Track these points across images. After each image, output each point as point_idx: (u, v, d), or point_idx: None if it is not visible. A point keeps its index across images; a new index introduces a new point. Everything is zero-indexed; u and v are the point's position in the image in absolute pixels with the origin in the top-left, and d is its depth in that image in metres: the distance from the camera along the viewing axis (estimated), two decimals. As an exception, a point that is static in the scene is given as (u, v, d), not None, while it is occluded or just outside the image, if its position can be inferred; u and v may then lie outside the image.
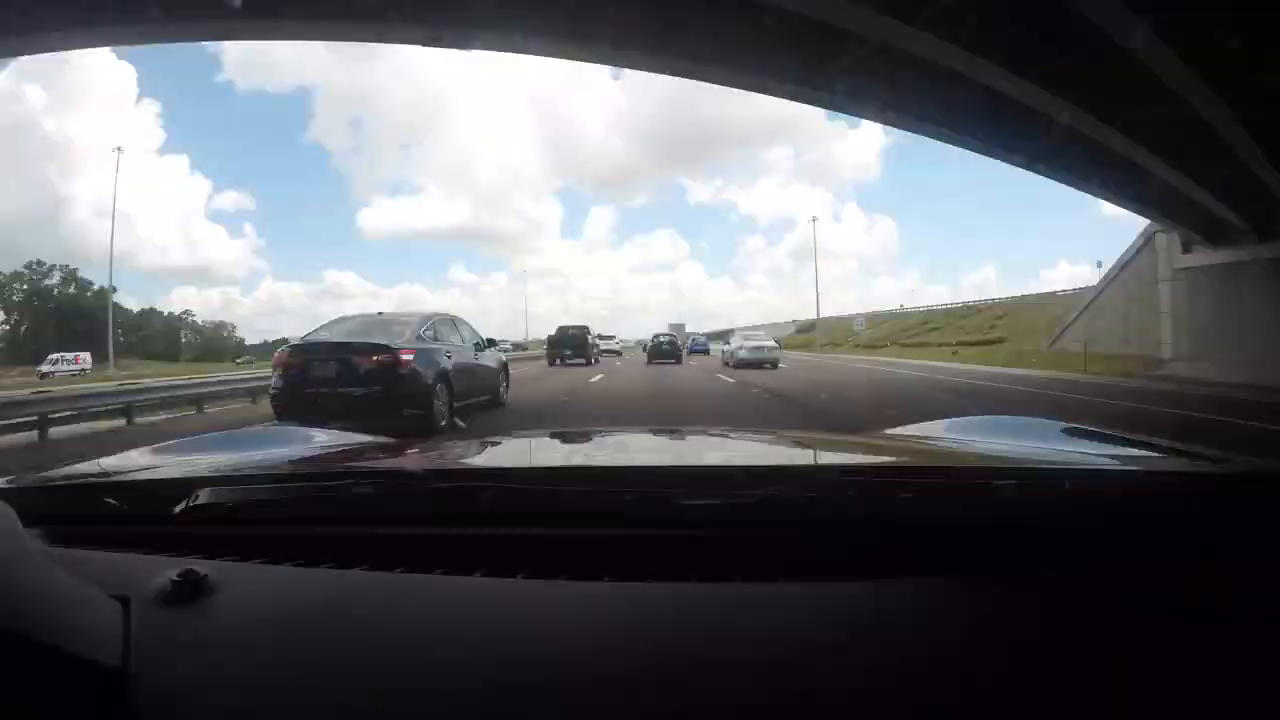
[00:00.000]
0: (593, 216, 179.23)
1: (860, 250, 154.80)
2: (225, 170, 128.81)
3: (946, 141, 11.39)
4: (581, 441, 1.41)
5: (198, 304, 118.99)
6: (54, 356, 37.90)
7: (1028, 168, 12.20)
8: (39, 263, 55.45)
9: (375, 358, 6.20)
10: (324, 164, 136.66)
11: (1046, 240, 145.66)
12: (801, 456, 1.16)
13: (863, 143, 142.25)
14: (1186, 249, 15.91)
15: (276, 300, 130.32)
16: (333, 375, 6.22)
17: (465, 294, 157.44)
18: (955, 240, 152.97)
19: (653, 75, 10.74)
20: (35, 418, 7.72)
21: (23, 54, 9.67)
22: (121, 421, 8.90)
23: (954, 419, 1.42)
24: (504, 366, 9.26)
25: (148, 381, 12.86)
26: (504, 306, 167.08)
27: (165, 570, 0.55)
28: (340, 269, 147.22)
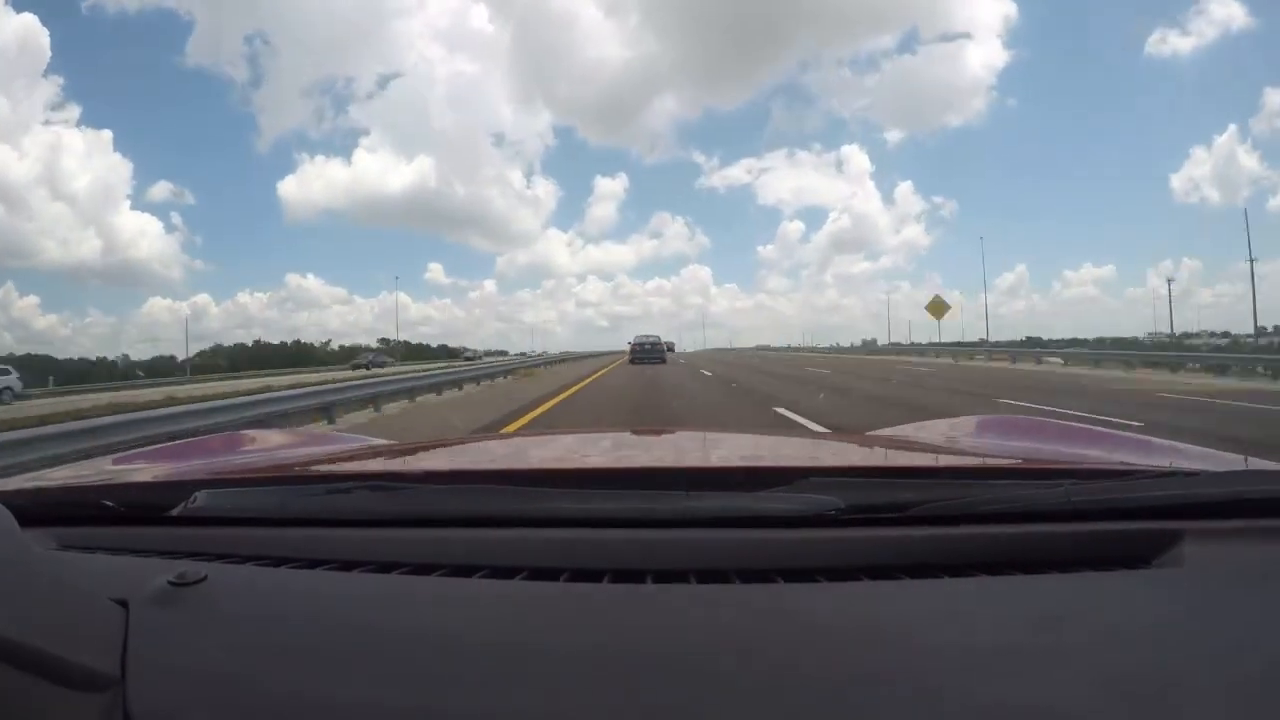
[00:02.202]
0: (594, 195, 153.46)
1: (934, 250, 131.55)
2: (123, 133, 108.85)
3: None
4: (580, 442, 1.41)
5: (168, 317, 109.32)
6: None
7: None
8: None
9: (658, 345, 29.32)
10: (221, 99, 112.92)
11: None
12: (799, 456, 1.16)
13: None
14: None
15: (244, 310, 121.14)
16: (648, 347, 28.53)
17: (455, 304, 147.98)
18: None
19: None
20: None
21: None
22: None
23: (955, 419, 1.42)
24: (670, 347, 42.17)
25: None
26: (495, 315, 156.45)
27: (164, 572, 0.55)
28: (301, 272, 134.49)
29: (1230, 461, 0.85)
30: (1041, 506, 0.62)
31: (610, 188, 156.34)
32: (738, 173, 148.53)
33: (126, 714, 0.41)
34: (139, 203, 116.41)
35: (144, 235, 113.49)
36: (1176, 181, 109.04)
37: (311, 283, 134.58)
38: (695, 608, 0.53)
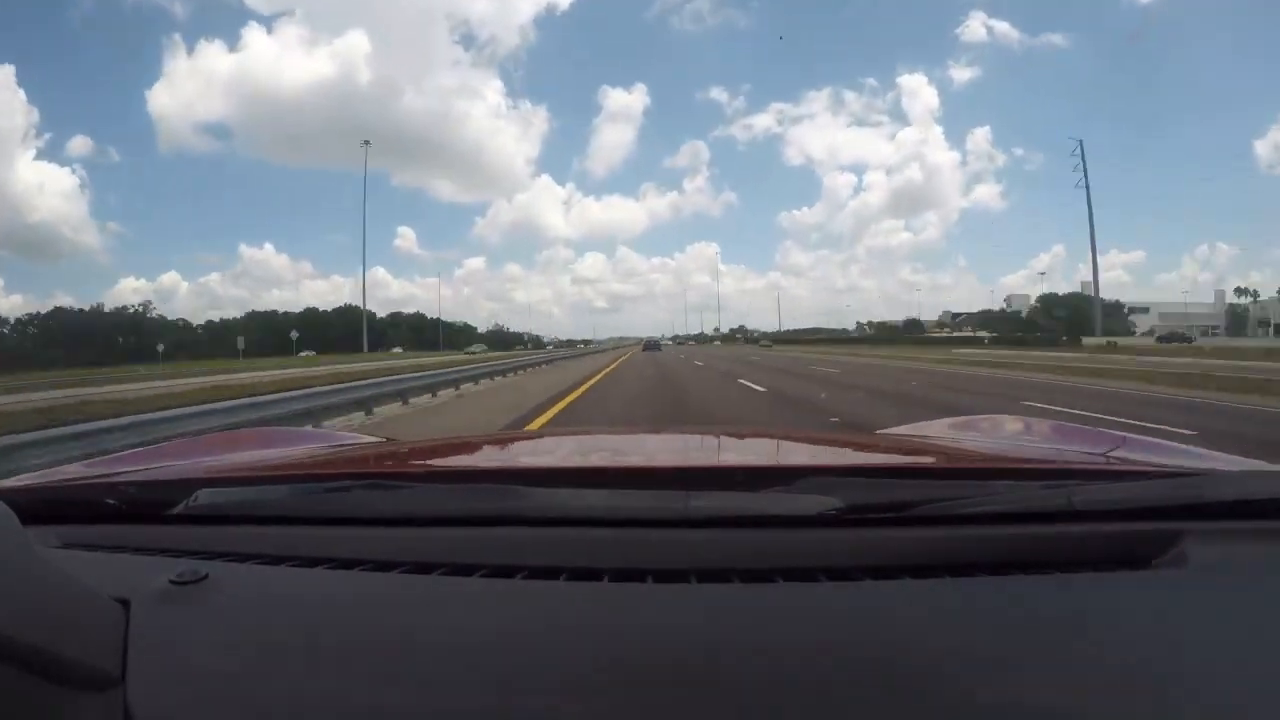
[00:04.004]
0: (602, 115, 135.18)
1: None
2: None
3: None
4: (581, 442, 1.41)
5: (136, 299, 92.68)
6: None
7: None
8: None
9: (657, 342, 65.47)
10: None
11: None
12: (801, 457, 1.16)
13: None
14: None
15: (209, 290, 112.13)
16: (652, 343, 58.50)
17: (445, 284, 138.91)
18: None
19: None
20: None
21: None
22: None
23: (955, 418, 1.42)
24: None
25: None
26: (488, 294, 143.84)
27: (165, 571, 0.55)
28: (254, 243, 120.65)
29: (1232, 462, 0.85)
30: (1043, 507, 0.62)
31: (623, 103, 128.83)
32: (767, 120, 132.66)
33: (127, 713, 0.41)
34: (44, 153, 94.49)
35: (44, 193, 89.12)
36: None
37: (269, 254, 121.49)
38: (696, 607, 0.53)
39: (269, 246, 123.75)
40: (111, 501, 0.73)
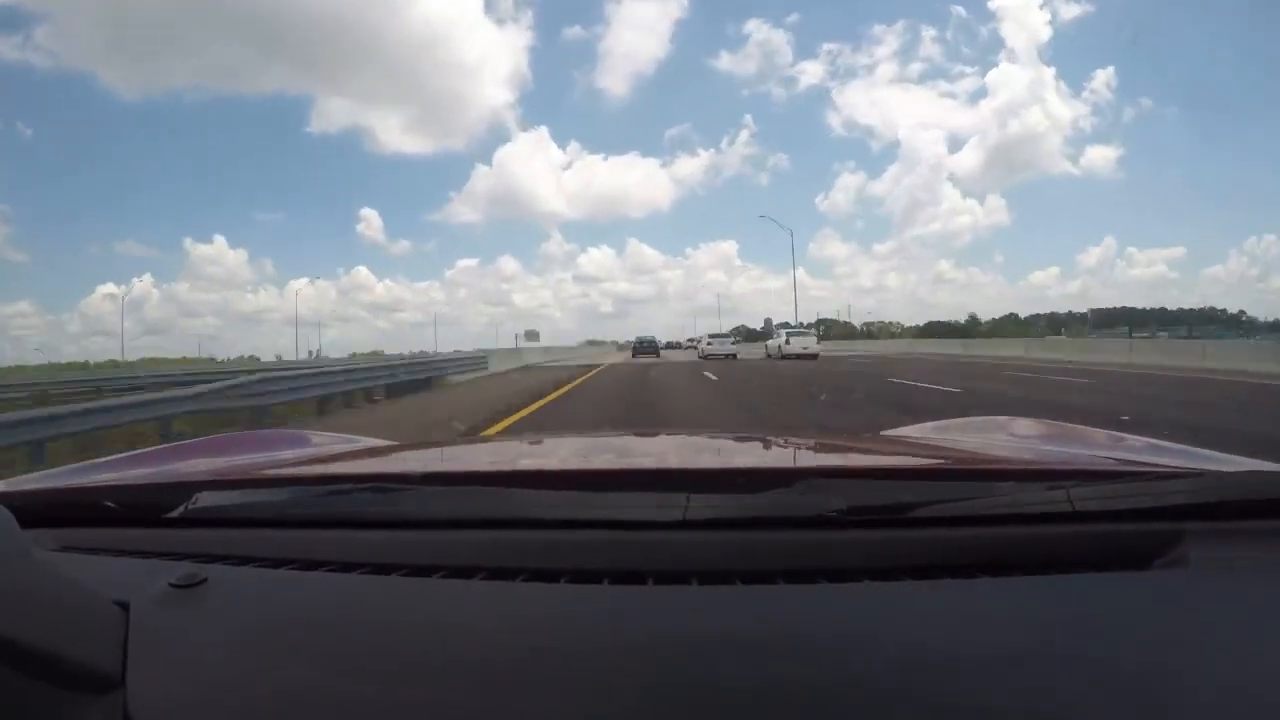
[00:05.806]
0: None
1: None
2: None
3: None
4: (580, 444, 1.41)
5: (111, 310, 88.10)
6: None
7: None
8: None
9: (655, 343, 41.35)
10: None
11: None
12: (801, 458, 1.16)
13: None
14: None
15: (176, 297, 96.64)
16: (646, 345, 39.00)
17: (442, 288, 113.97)
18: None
19: None
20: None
21: None
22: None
23: (955, 419, 1.42)
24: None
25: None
26: (483, 296, 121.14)
27: (165, 574, 0.55)
28: (201, 236, 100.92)
29: (1233, 462, 0.85)
30: (1044, 508, 0.62)
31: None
32: (816, 68, 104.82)
33: (127, 715, 0.41)
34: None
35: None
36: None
37: (221, 250, 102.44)
38: (696, 609, 0.52)
39: (219, 240, 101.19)
40: (111, 504, 0.73)
